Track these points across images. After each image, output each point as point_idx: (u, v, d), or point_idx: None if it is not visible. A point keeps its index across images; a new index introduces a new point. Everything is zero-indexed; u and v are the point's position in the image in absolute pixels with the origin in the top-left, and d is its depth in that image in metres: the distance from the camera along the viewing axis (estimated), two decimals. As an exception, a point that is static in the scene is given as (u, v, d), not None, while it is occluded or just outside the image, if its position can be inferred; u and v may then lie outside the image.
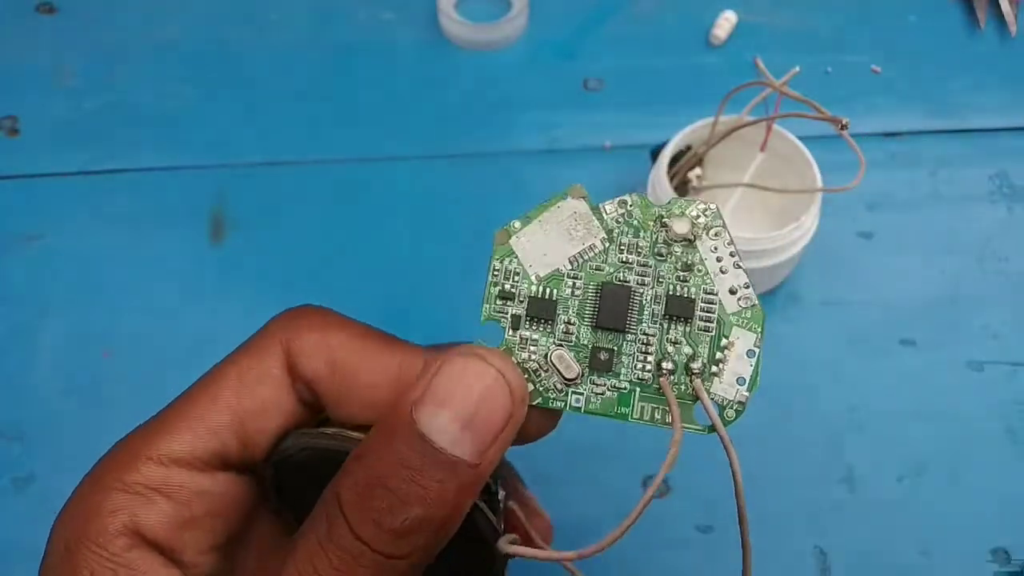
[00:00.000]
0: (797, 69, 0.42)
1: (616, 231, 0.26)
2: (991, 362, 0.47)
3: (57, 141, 0.54)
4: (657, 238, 0.26)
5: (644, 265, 0.26)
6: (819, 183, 0.45)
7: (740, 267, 0.25)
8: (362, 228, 0.51)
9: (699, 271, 0.26)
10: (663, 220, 0.26)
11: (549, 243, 0.26)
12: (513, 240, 0.26)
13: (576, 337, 0.26)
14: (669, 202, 0.26)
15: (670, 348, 0.26)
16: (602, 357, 0.25)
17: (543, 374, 0.26)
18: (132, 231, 0.51)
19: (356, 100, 0.56)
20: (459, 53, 0.58)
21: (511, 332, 0.26)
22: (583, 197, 0.26)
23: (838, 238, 0.50)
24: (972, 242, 0.51)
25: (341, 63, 0.58)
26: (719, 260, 0.26)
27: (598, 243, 0.26)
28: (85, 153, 0.54)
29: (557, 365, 0.25)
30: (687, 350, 0.25)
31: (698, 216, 0.26)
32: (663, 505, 0.43)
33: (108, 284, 0.49)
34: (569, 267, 0.26)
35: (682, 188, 0.48)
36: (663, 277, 0.26)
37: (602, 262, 0.26)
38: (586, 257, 0.26)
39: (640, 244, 0.26)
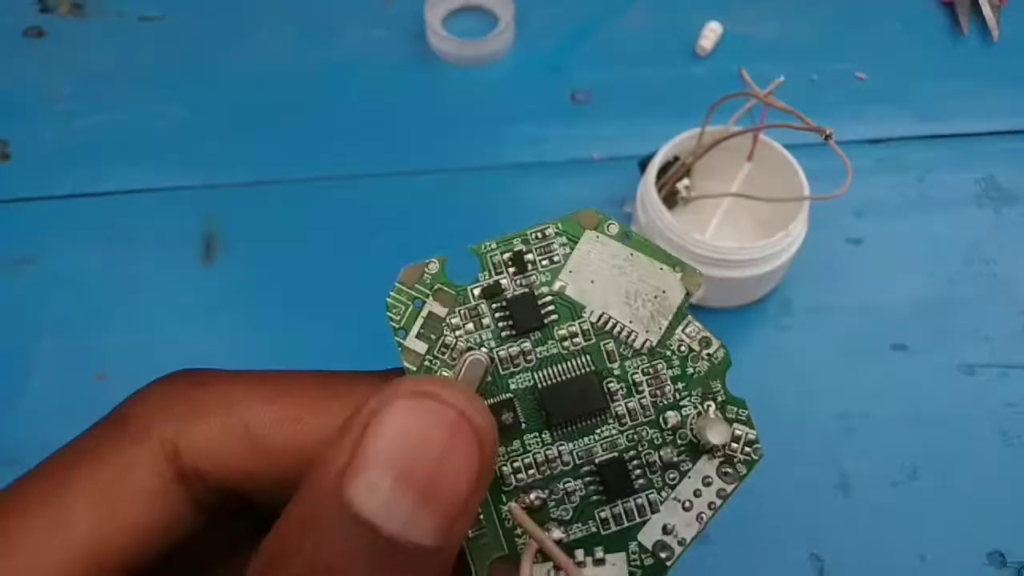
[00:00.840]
0: (781, 79, 0.43)
1: (667, 353, 0.20)
2: (982, 365, 0.47)
3: (47, 164, 0.54)
4: (684, 405, 0.20)
5: (644, 409, 0.20)
6: (806, 191, 0.46)
7: (701, 522, 0.20)
8: (353, 245, 0.51)
9: (671, 478, 0.20)
10: (707, 402, 0.20)
11: (609, 280, 0.20)
12: (591, 235, 0.21)
13: (512, 373, 0.20)
14: (737, 397, 0.20)
15: (559, 492, 0.20)
16: (503, 418, 0.20)
17: (446, 357, 0.20)
18: (124, 253, 0.51)
19: (346, 118, 0.56)
20: (447, 69, 0.58)
21: (478, 292, 0.20)
22: (690, 292, 0.21)
23: (827, 245, 0.50)
24: (960, 246, 0.51)
25: (330, 81, 0.58)
26: (696, 495, 0.20)
27: (640, 338, 0.20)
28: (76, 176, 0.54)
29: (465, 366, 0.19)
30: (566, 513, 0.20)
31: (738, 440, 0.20)
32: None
33: (101, 307, 0.49)
34: (593, 320, 0.20)
35: (671, 199, 0.48)
36: (639, 440, 0.20)
37: (620, 357, 0.20)
38: (615, 333, 0.20)
39: (668, 390, 0.20)
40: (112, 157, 0.55)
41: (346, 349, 0.47)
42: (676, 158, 0.48)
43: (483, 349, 0.20)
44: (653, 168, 0.46)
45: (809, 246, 0.47)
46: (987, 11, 0.60)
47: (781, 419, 0.45)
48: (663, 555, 0.20)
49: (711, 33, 0.58)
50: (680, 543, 0.20)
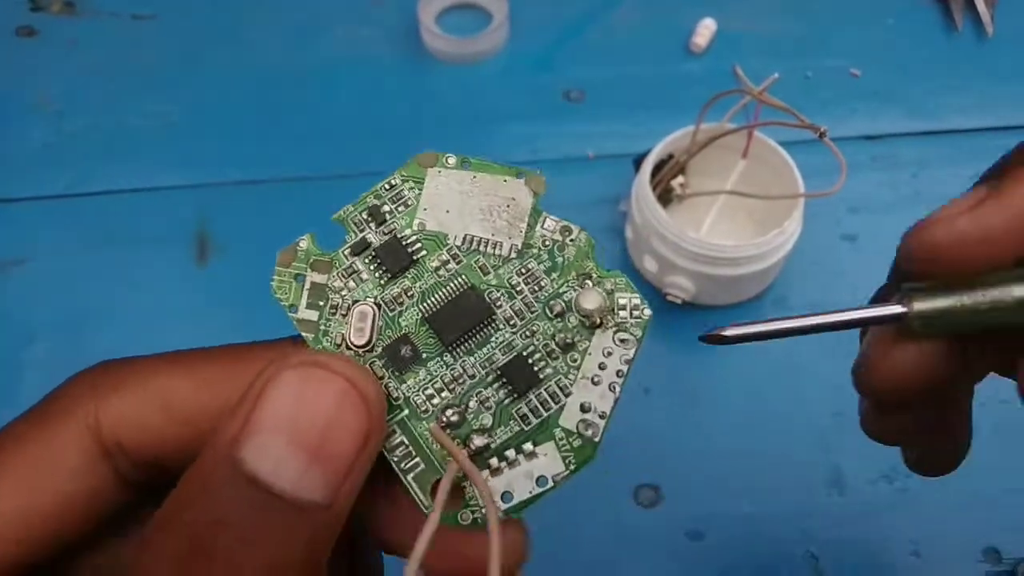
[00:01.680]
0: (776, 76, 0.43)
1: (534, 251, 0.21)
2: (977, 361, 0.47)
3: (38, 164, 0.54)
4: (565, 292, 0.21)
5: (528, 306, 0.21)
6: (801, 188, 0.46)
7: (614, 392, 0.21)
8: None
9: (573, 360, 0.21)
10: (585, 281, 0.21)
11: (463, 204, 0.22)
12: (433, 171, 0.22)
13: (399, 312, 0.21)
14: (611, 271, 0.21)
15: (472, 403, 0.21)
16: (402, 351, 0.21)
17: (337, 316, 0.21)
18: (116, 254, 0.51)
19: (339, 116, 0.56)
20: (440, 67, 0.58)
21: (348, 252, 0.22)
22: (537, 192, 0.22)
23: (822, 242, 0.50)
24: (955, 242, 0.51)
25: (323, 79, 0.58)
26: (601, 368, 0.21)
27: (506, 246, 0.21)
28: (67, 176, 0.53)
29: (353, 321, 0.21)
30: (485, 419, 0.21)
31: (624, 308, 0.21)
32: (654, 513, 0.43)
33: (93, 308, 0.49)
34: (459, 243, 0.21)
35: (665, 197, 0.48)
36: (533, 333, 0.21)
37: (492, 267, 0.21)
38: (482, 249, 0.21)
39: (544, 283, 0.21)
40: (104, 156, 0.54)
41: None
42: (671, 156, 0.48)
43: (368, 300, 0.21)
44: (648, 166, 0.46)
45: (804, 243, 0.47)
46: (981, 7, 0.59)
47: (776, 417, 0.45)
48: (588, 432, 0.21)
49: (705, 30, 0.58)
50: (601, 416, 0.21)
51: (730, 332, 0.21)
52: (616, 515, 0.43)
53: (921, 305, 0.21)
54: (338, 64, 0.58)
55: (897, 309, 0.21)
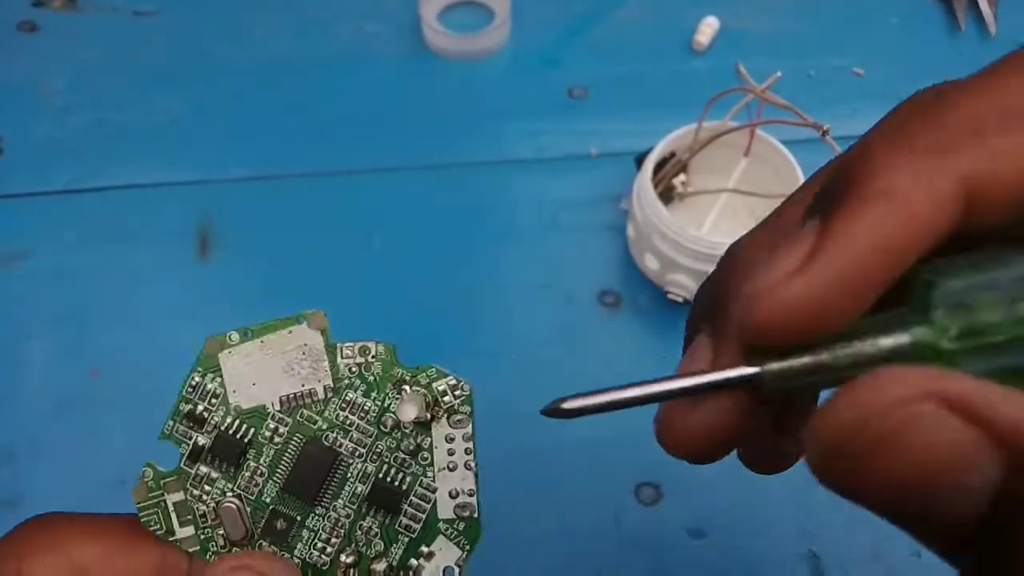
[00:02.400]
0: (779, 75, 0.43)
1: (346, 382, 0.22)
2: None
3: (42, 159, 0.54)
4: (389, 405, 0.22)
5: (364, 433, 0.22)
6: (803, 187, 0.46)
7: (471, 469, 0.22)
8: (350, 241, 0.51)
9: (424, 459, 0.22)
10: (402, 387, 0.22)
11: (264, 371, 0.22)
12: (224, 355, 0.23)
13: (259, 492, 0.22)
14: (417, 368, 0.22)
15: (361, 537, 0.22)
16: (279, 525, 0.22)
17: (210, 523, 0.22)
18: (118, 249, 0.51)
19: (341, 113, 0.56)
20: (443, 64, 0.58)
21: (188, 463, 0.22)
22: (322, 330, 0.23)
23: (824, 241, 0.50)
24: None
25: (325, 76, 0.58)
26: (451, 454, 0.22)
27: (320, 389, 0.22)
28: (70, 171, 0.53)
29: (224, 520, 0.22)
30: (378, 545, 0.22)
31: (445, 393, 0.22)
32: (655, 511, 0.43)
33: (95, 303, 0.49)
34: (278, 407, 0.22)
35: (667, 195, 0.48)
36: (380, 454, 0.22)
37: (317, 414, 0.22)
38: (301, 402, 0.22)
39: (368, 406, 0.22)
40: (106, 152, 0.54)
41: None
42: (673, 154, 0.48)
43: (228, 496, 0.22)
44: (649, 164, 0.46)
45: (806, 242, 0.47)
46: (984, 6, 0.59)
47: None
48: (467, 513, 0.22)
49: (708, 28, 0.58)
50: (470, 494, 0.22)
51: (568, 405, 0.19)
52: (617, 513, 0.43)
53: (776, 366, 0.18)
54: (340, 61, 0.58)
55: (749, 371, 0.18)
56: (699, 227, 0.48)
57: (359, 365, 0.22)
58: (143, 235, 0.51)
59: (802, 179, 0.46)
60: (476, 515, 0.22)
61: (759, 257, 0.19)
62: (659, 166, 0.47)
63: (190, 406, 0.23)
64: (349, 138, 0.55)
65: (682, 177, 0.49)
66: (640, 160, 0.48)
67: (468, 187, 0.53)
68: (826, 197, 0.18)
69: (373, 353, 0.22)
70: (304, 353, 0.22)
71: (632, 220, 0.48)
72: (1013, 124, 0.16)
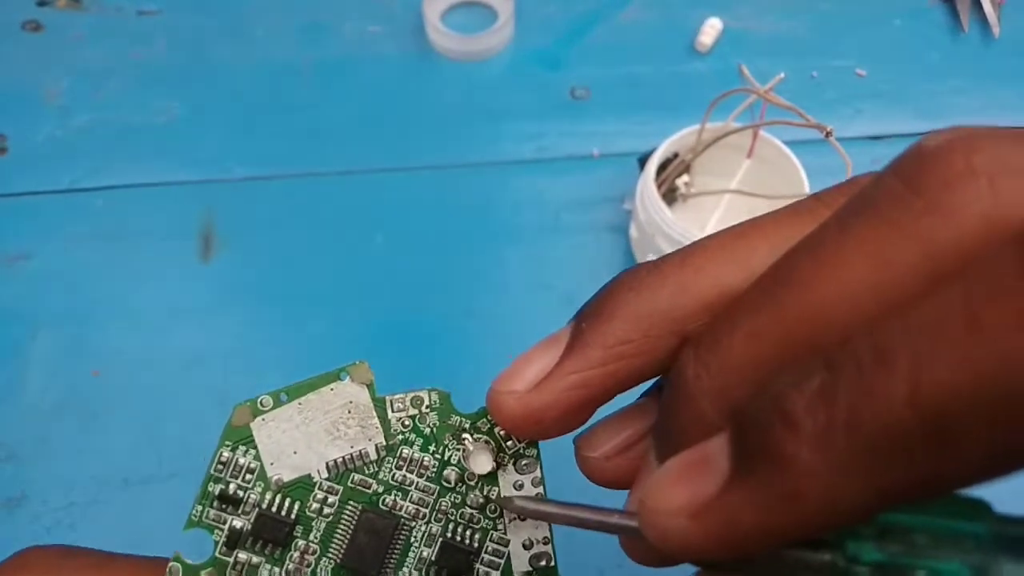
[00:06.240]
0: (782, 75, 0.42)
1: (400, 438, 0.20)
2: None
3: (45, 159, 0.54)
4: (450, 457, 0.20)
5: (425, 491, 0.20)
6: (806, 188, 0.46)
7: (545, 513, 0.20)
8: (352, 241, 0.51)
9: (492, 513, 0.20)
10: (462, 437, 0.20)
11: (306, 437, 0.20)
12: (256, 423, 0.20)
13: (312, 573, 0.20)
14: (476, 413, 0.20)
15: None
16: None
17: None
18: (121, 249, 0.51)
19: (344, 113, 0.56)
20: (446, 64, 0.58)
21: (224, 551, 0.20)
22: (367, 383, 0.20)
23: (827, 242, 0.50)
24: (960, 244, 0.51)
25: (328, 76, 0.58)
26: None
27: (372, 450, 0.20)
28: (73, 171, 0.53)
29: None
30: None
31: (507, 437, 0.20)
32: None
33: (98, 303, 0.49)
34: (325, 475, 0.20)
35: (670, 196, 0.48)
36: (445, 512, 0.20)
37: (371, 476, 0.20)
38: (351, 466, 0.20)
39: (427, 461, 0.20)
40: (110, 152, 0.54)
41: (345, 344, 0.47)
42: (676, 154, 0.48)
43: None
44: (652, 165, 0.46)
45: (809, 243, 0.47)
46: (988, 7, 0.59)
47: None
48: (543, 563, 0.20)
49: (711, 29, 0.58)
50: (545, 542, 0.20)
51: (518, 503, 0.20)
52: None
53: None
54: (343, 61, 0.58)
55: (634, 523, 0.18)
56: (702, 228, 0.48)
57: (412, 417, 0.20)
58: (146, 235, 0.51)
59: (805, 180, 0.46)
60: (553, 563, 0.20)
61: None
62: (662, 167, 0.47)
63: (221, 486, 0.20)
64: (352, 138, 0.55)
65: (685, 178, 0.49)
66: (643, 161, 0.48)
67: (470, 187, 0.53)
68: (586, 309, 0.19)
69: (427, 403, 0.20)
70: (350, 411, 0.20)
71: (635, 221, 0.48)
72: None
